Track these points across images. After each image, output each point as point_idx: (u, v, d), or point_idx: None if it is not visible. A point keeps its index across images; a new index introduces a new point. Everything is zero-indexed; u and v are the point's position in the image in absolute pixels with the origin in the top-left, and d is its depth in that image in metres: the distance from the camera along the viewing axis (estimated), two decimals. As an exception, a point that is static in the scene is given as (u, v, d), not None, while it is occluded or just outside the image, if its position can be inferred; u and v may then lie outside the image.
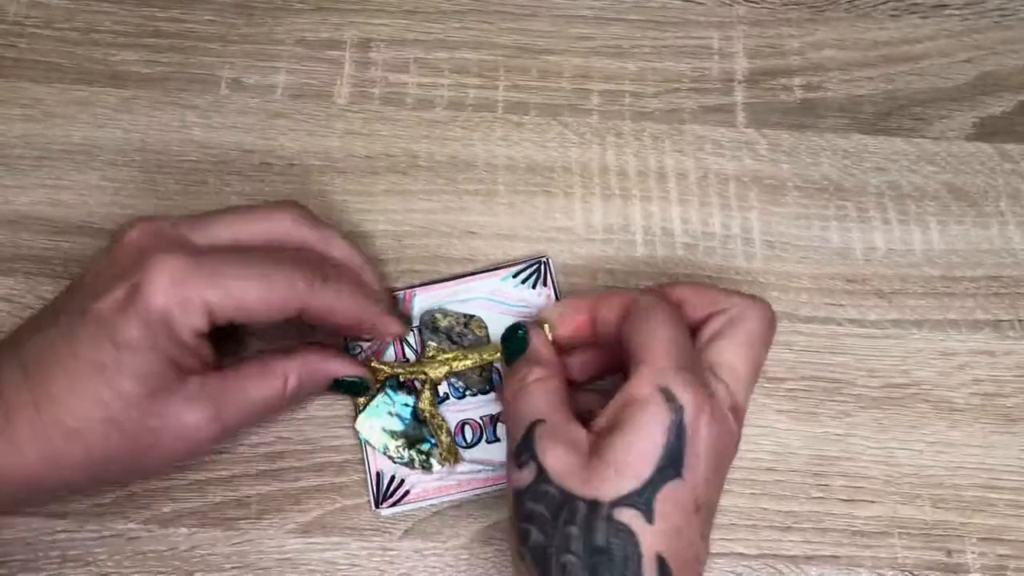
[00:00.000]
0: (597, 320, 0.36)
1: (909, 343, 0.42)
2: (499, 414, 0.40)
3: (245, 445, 0.40)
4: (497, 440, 0.39)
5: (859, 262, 0.43)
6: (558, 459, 0.32)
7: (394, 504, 0.38)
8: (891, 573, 0.38)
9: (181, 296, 0.33)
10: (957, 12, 0.47)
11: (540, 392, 0.34)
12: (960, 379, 0.41)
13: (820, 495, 0.39)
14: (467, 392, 0.40)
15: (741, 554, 0.38)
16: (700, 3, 0.48)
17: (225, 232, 0.35)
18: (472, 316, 0.41)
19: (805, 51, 0.47)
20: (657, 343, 0.33)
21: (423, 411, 0.39)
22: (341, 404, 0.40)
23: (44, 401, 0.32)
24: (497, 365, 0.40)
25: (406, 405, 0.39)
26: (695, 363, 0.33)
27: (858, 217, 0.44)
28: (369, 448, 0.39)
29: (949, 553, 0.39)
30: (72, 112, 0.45)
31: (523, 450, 0.33)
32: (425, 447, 0.39)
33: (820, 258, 0.43)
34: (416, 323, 0.41)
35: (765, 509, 0.39)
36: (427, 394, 0.39)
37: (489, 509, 0.39)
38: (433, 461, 0.39)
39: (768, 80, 0.46)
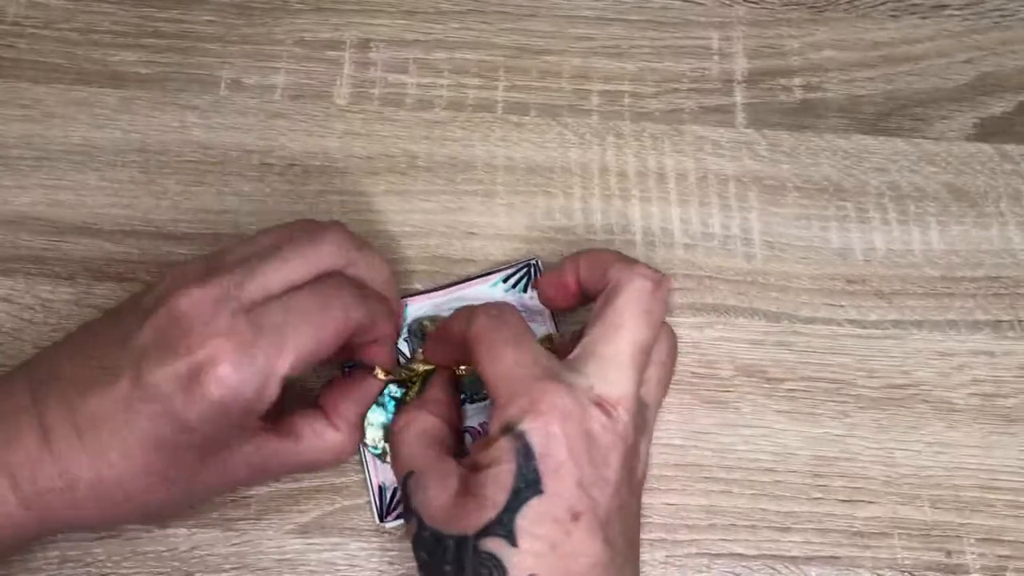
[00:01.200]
0: (580, 280, 0.37)
1: (909, 343, 0.42)
2: None
3: (244, 446, 0.40)
4: None
5: (859, 262, 0.43)
6: (429, 503, 0.32)
7: (399, 517, 0.38)
8: (890, 574, 0.38)
9: (254, 375, 0.31)
10: (957, 12, 0.47)
11: (408, 438, 0.35)
12: (960, 380, 0.41)
13: (819, 496, 0.39)
14: (465, 401, 0.39)
15: (740, 555, 0.38)
16: (700, 3, 0.47)
17: (276, 279, 0.33)
18: None
19: (805, 51, 0.47)
20: (490, 378, 0.33)
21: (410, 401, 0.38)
22: (340, 405, 0.40)
23: (104, 466, 0.32)
24: None
25: (393, 398, 0.39)
26: (532, 376, 0.32)
27: (858, 217, 0.44)
28: (369, 461, 0.39)
29: (948, 554, 0.39)
30: (71, 112, 0.45)
31: (406, 507, 0.33)
32: None
33: (820, 258, 0.43)
34: (405, 333, 0.41)
35: (764, 510, 0.39)
36: (417, 387, 0.39)
37: (488, 510, 0.39)
38: None
39: (768, 80, 0.46)
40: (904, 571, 0.38)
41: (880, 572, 0.38)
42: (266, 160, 0.44)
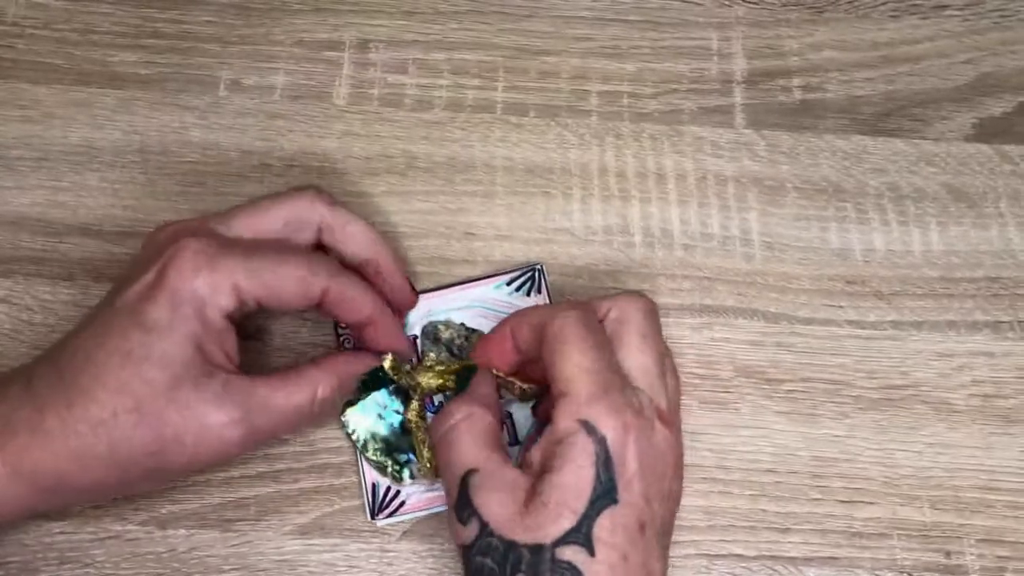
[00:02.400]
0: (518, 344, 0.36)
1: (908, 344, 0.42)
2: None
3: (243, 446, 0.40)
4: None
5: (858, 263, 0.43)
6: (497, 509, 0.32)
7: (390, 515, 0.38)
8: (890, 574, 0.38)
9: (210, 276, 0.33)
10: (957, 13, 0.47)
11: (468, 435, 0.34)
12: (959, 380, 0.41)
13: (819, 496, 0.39)
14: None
15: (740, 555, 0.38)
16: (699, 4, 0.47)
17: (247, 222, 0.36)
18: (475, 331, 0.40)
19: (804, 52, 0.47)
20: (571, 372, 0.32)
21: (409, 422, 0.39)
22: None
23: (75, 395, 0.32)
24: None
25: (397, 412, 0.39)
26: (612, 383, 0.32)
27: (857, 218, 0.44)
28: (364, 460, 0.39)
29: (948, 554, 0.39)
30: (71, 113, 0.45)
31: (463, 506, 0.32)
32: (402, 458, 0.39)
33: (819, 259, 0.43)
34: (415, 332, 0.41)
35: (764, 510, 0.39)
36: (415, 405, 0.39)
37: (488, 511, 0.39)
38: (405, 474, 0.38)
39: (767, 81, 0.46)
40: (903, 572, 0.38)
41: (879, 573, 0.38)
42: (265, 161, 0.44)
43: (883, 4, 0.48)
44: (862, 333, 0.42)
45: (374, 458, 0.38)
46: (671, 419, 0.34)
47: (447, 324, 0.41)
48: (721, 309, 0.42)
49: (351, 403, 0.39)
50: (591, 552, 0.30)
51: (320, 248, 0.37)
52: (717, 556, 0.38)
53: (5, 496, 0.33)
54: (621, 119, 0.45)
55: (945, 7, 0.47)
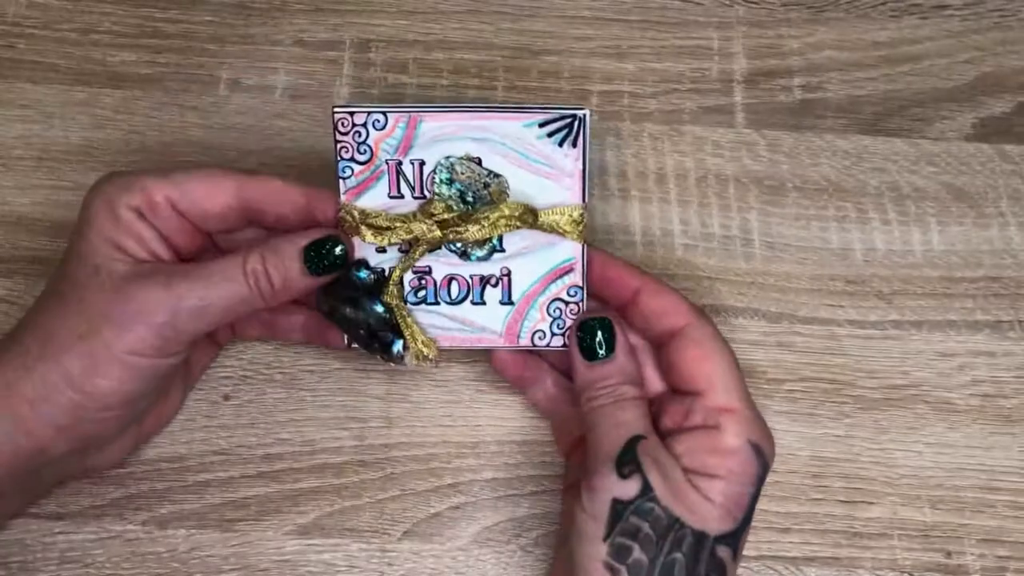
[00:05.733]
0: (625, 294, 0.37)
1: (909, 344, 0.42)
2: (490, 277, 0.37)
3: (243, 446, 0.40)
4: (483, 303, 0.37)
5: (859, 263, 0.43)
6: (660, 480, 0.33)
7: (366, 347, 0.37)
8: (890, 574, 0.38)
9: (119, 180, 0.35)
10: (957, 12, 0.47)
11: (637, 410, 0.35)
12: (960, 380, 0.41)
13: (819, 496, 0.39)
14: (472, 255, 0.37)
15: (740, 556, 0.38)
16: (699, 4, 0.47)
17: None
18: (498, 176, 0.36)
19: (805, 52, 0.47)
20: (730, 385, 0.34)
21: (388, 303, 0.36)
22: (340, 405, 0.40)
23: (31, 342, 0.33)
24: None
25: (369, 295, 0.36)
26: (757, 410, 0.35)
27: (858, 218, 0.44)
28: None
29: (948, 554, 0.39)
30: (71, 113, 0.45)
31: (627, 460, 0.33)
32: (388, 339, 0.36)
33: (819, 259, 0.43)
34: (422, 157, 0.36)
35: (764, 511, 0.39)
36: (393, 287, 0.36)
37: (488, 511, 0.39)
38: (396, 350, 0.36)
39: (767, 81, 0.46)
40: (904, 572, 0.38)
41: (880, 573, 0.38)
42: (265, 160, 0.44)
43: (883, 4, 0.48)
44: (862, 333, 0.42)
45: (357, 346, 0.37)
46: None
47: (468, 165, 0.36)
48: (721, 309, 0.42)
49: (327, 293, 0.36)
50: (735, 558, 0.33)
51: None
52: (717, 556, 0.38)
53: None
54: (621, 119, 0.45)
55: (945, 7, 0.47)
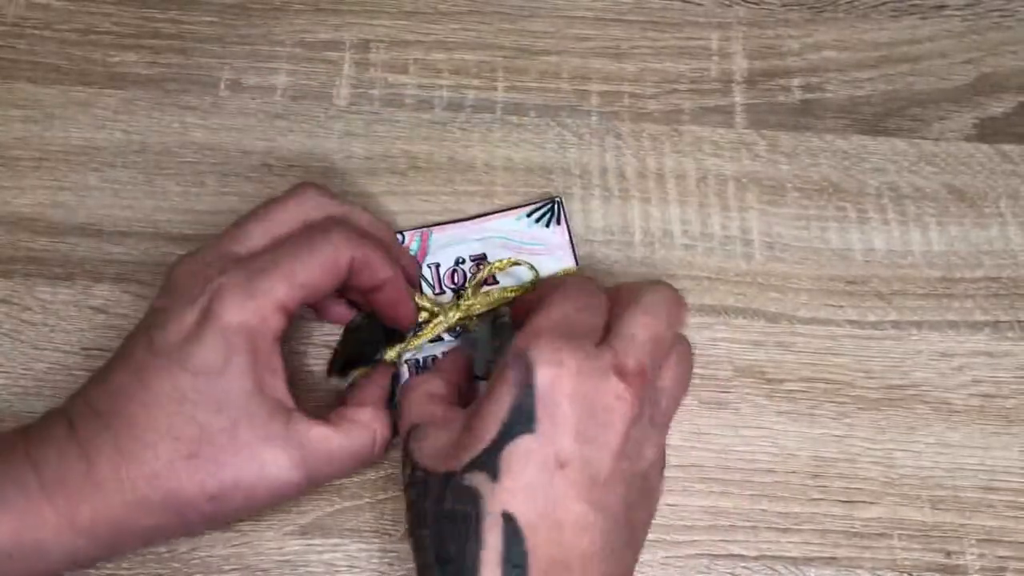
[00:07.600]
0: None
1: (908, 344, 0.42)
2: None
3: (244, 446, 0.40)
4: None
5: (858, 263, 0.43)
6: (424, 448, 0.32)
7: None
8: (890, 574, 0.38)
9: (254, 303, 0.32)
10: (957, 12, 0.47)
11: (414, 396, 0.35)
12: (959, 380, 0.41)
13: (819, 496, 0.39)
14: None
15: (740, 555, 0.38)
16: (699, 4, 0.47)
17: (258, 234, 0.35)
18: (483, 258, 0.41)
19: (804, 52, 0.47)
20: (538, 318, 0.32)
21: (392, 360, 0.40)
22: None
23: (125, 442, 0.31)
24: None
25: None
26: (570, 329, 0.31)
27: (857, 218, 0.44)
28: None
29: (948, 554, 0.39)
30: (71, 113, 0.45)
31: (405, 457, 0.34)
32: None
33: (819, 259, 0.43)
34: (438, 260, 0.41)
35: (764, 510, 0.39)
36: (394, 351, 0.39)
37: (488, 510, 0.39)
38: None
39: (767, 81, 0.46)
40: (904, 572, 0.38)
41: (880, 573, 0.38)
42: (266, 161, 0.44)
43: (883, 4, 0.48)
44: (862, 333, 0.42)
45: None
46: (632, 378, 0.31)
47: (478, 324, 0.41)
48: (721, 309, 0.42)
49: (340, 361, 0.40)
50: (494, 477, 0.30)
51: None
52: (718, 556, 0.38)
53: (64, 549, 0.31)
54: (621, 119, 0.45)
55: (945, 7, 0.48)
